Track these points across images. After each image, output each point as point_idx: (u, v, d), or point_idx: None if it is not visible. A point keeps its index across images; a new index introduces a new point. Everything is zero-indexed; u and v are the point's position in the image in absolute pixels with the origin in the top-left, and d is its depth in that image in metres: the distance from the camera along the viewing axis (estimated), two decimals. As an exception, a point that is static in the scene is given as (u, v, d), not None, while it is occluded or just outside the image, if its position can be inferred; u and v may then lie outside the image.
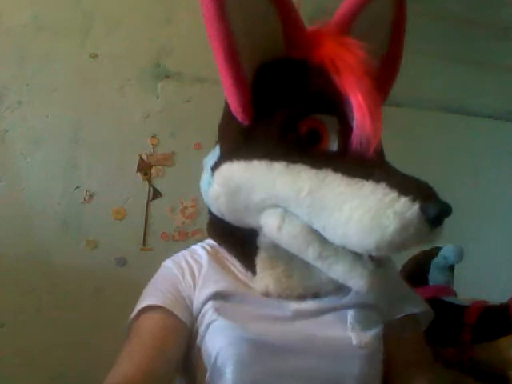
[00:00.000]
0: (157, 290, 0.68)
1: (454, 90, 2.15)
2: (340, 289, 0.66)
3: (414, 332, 0.75)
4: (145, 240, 1.77)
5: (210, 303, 0.65)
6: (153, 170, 1.78)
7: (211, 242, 0.76)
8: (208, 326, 0.64)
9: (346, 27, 0.67)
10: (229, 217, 0.68)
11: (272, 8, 0.61)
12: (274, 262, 0.67)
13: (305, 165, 0.59)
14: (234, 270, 0.71)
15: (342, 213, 0.55)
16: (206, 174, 0.69)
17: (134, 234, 1.75)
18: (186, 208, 1.79)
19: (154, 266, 0.73)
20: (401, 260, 1.06)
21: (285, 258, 0.66)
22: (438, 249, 1.14)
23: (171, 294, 0.67)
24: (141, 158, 1.77)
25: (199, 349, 0.65)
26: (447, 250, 1.12)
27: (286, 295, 0.66)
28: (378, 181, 0.55)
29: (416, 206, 0.52)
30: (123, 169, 1.75)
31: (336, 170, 0.58)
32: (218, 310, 0.64)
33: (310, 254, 0.60)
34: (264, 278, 0.67)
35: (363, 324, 0.66)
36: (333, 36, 0.65)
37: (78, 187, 1.72)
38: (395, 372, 0.71)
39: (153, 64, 1.79)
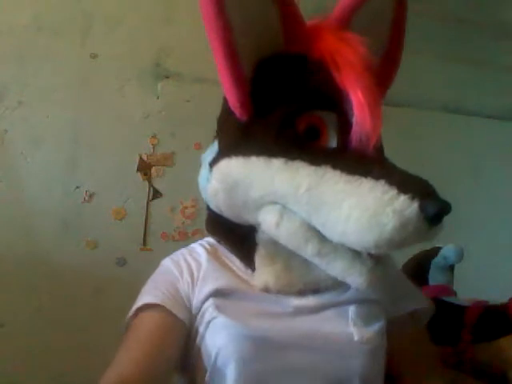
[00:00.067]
0: (155, 289, 0.68)
1: (453, 89, 2.15)
2: (340, 284, 0.65)
3: (418, 328, 0.75)
4: (145, 240, 1.77)
5: (210, 301, 0.65)
6: (153, 170, 1.78)
7: (210, 240, 0.75)
8: (208, 323, 0.64)
9: (346, 22, 0.66)
10: (227, 213, 0.67)
11: (271, 3, 0.61)
12: (273, 259, 0.67)
13: (303, 161, 0.59)
14: (234, 267, 0.70)
15: (340, 210, 0.55)
16: (204, 170, 0.69)
17: (133, 234, 1.76)
18: (186, 208, 1.79)
19: (154, 266, 0.73)
20: (401, 260, 1.05)
21: (284, 254, 0.65)
22: (438, 249, 1.14)
23: (169, 292, 0.66)
24: (141, 158, 1.77)
25: (199, 349, 0.65)
26: (447, 250, 1.12)
27: (285, 291, 0.66)
28: (377, 178, 0.55)
29: (415, 204, 0.52)
30: (123, 169, 1.76)
31: (335, 166, 0.57)
32: (218, 308, 0.64)
33: (309, 250, 0.60)
34: (263, 274, 0.67)
35: (365, 319, 0.65)
36: (333, 31, 0.64)
37: (78, 187, 1.72)
38: (402, 369, 0.72)
39: (153, 64, 1.79)
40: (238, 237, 0.69)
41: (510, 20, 2.11)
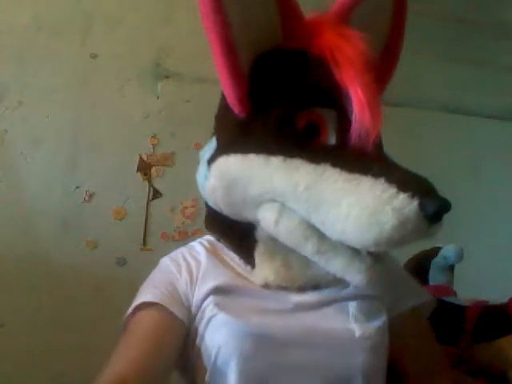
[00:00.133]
0: (154, 287, 0.68)
1: (453, 89, 2.15)
2: (341, 280, 0.64)
3: (421, 323, 0.75)
4: (145, 240, 1.77)
5: (210, 298, 0.65)
6: (153, 170, 1.78)
7: (209, 238, 0.75)
8: (208, 321, 0.64)
9: (346, 17, 0.66)
10: (226, 210, 0.67)
11: None
12: (272, 255, 0.66)
13: (303, 159, 0.58)
14: (233, 264, 0.70)
15: (340, 209, 0.55)
16: (202, 167, 0.69)
17: (133, 234, 1.75)
18: (186, 208, 1.79)
19: (154, 266, 0.73)
20: (401, 260, 1.05)
21: (283, 250, 0.65)
22: (438, 249, 1.14)
23: (168, 291, 0.66)
24: (141, 158, 1.77)
25: (199, 349, 0.65)
26: (447, 250, 1.12)
27: (285, 287, 0.66)
28: (376, 176, 0.55)
29: (415, 203, 0.52)
30: (123, 169, 1.76)
31: (334, 164, 0.57)
32: (218, 305, 0.64)
33: (308, 248, 0.60)
34: (263, 271, 0.66)
35: (366, 315, 0.65)
36: (332, 26, 0.64)
37: (78, 187, 1.72)
38: (409, 368, 0.71)
39: (153, 64, 1.79)
40: (238, 234, 0.69)
41: (510, 20, 2.11)
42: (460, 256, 1.12)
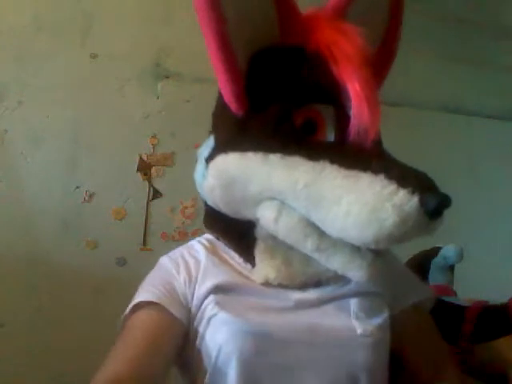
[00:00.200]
0: (152, 287, 0.67)
1: (453, 89, 2.15)
2: (341, 277, 0.64)
3: (423, 318, 0.75)
4: (145, 240, 1.77)
5: (211, 297, 0.64)
6: (153, 170, 1.78)
7: (209, 236, 0.75)
8: (209, 321, 0.63)
9: (343, 11, 0.65)
10: (225, 209, 0.67)
11: None
12: (273, 253, 0.66)
13: (301, 157, 0.58)
14: (233, 262, 0.70)
15: (339, 206, 0.54)
16: (200, 166, 0.68)
17: (133, 234, 1.75)
18: (186, 208, 1.79)
19: (154, 266, 0.73)
20: (400, 260, 1.05)
21: (284, 248, 0.65)
22: (438, 249, 1.14)
23: (166, 290, 0.66)
24: (141, 158, 1.77)
25: (199, 349, 0.64)
26: (447, 250, 1.12)
27: (286, 284, 0.65)
28: (376, 172, 0.54)
29: (415, 199, 0.51)
30: (123, 169, 1.76)
31: (333, 161, 0.57)
32: (218, 304, 0.63)
33: (308, 246, 0.60)
34: (264, 269, 0.66)
35: (367, 312, 0.65)
36: (329, 21, 0.63)
37: (78, 187, 1.72)
38: (411, 361, 0.71)
39: (153, 64, 1.79)
40: (237, 232, 0.69)
41: (510, 20, 2.11)
42: (460, 256, 1.12)
